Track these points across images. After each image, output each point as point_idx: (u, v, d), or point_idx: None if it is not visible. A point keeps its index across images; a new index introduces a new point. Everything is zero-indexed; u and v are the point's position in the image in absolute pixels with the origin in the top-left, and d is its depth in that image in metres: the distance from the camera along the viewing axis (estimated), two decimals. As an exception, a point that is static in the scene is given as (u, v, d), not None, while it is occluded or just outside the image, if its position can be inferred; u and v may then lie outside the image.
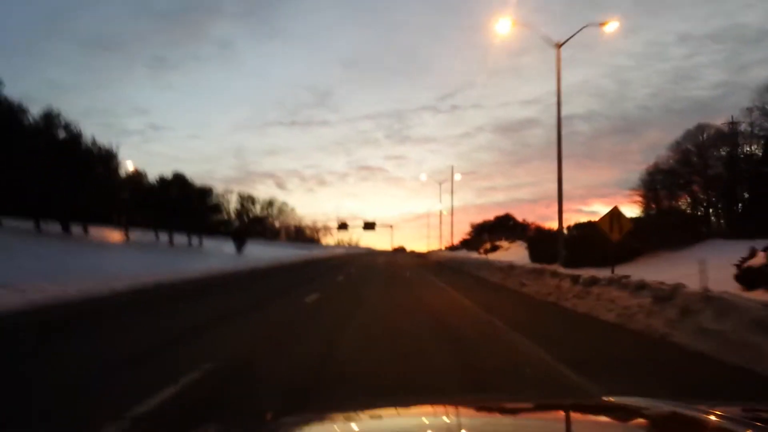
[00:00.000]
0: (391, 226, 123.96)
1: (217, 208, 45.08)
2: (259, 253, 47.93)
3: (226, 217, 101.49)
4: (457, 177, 61.84)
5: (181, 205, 39.52)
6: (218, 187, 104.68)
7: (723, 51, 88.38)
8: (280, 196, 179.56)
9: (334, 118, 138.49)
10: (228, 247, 45.45)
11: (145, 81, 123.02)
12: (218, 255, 41.39)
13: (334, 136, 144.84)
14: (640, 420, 1.66)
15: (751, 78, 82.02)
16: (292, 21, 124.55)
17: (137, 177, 38.21)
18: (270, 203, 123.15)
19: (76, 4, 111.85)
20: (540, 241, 27.86)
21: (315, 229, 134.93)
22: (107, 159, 32.21)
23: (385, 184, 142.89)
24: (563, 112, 77.45)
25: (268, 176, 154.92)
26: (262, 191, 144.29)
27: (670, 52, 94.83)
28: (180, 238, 41.82)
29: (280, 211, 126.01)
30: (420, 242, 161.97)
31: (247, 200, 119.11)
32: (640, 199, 32.72)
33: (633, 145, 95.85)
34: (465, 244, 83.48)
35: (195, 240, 44.32)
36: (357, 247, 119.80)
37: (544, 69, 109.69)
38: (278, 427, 1.77)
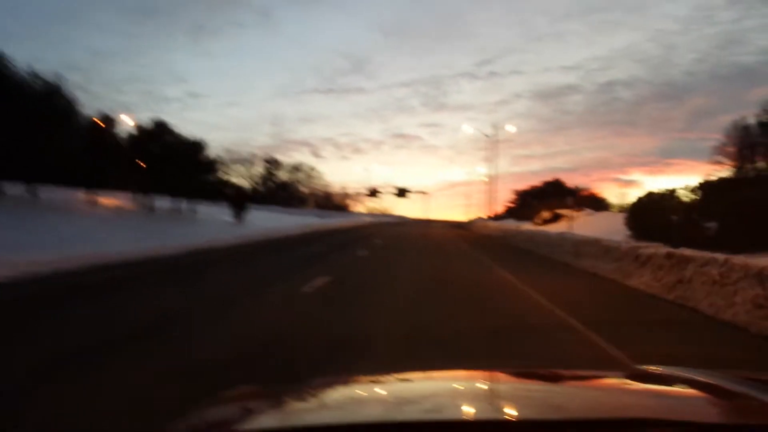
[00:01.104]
0: (425, 193, 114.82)
1: (212, 166, 36.69)
2: (267, 221, 39.82)
3: (232, 178, 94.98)
4: (511, 129, 51.74)
5: (164, 161, 31.41)
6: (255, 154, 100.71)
7: None
8: (315, 164, 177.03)
9: (371, 85, 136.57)
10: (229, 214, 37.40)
11: (184, 48, 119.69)
12: (210, 224, 33.40)
13: (370, 103, 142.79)
14: (677, 389, 1.64)
15: None
16: None
17: (104, 126, 30.02)
18: (296, 167, 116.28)
19: None
20: (647, 209, 18.62)
21: (345, 196, 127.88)
22: (49, 97, 24.04)
23: (420, 153, 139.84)
24: (604, 78, 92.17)
25: (304, 144, 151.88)
26: (297, 159, 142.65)
27: (717, 16, 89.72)
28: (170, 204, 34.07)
29: (308, 176, 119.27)
30: (456, 211, 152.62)
31: (272, 164, 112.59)
32: (725, 161, 23.27)
33: (676, 113, 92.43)
34: (511, 213, 73.96)
35: (185, 205, 36.29)
36: (389, 215, 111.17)
37: (587, 34, 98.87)
38: (309, 388, 1.68)
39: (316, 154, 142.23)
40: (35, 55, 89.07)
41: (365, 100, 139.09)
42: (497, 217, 79.88)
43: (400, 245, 24.79)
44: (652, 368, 1.82)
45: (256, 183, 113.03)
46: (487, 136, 50.04)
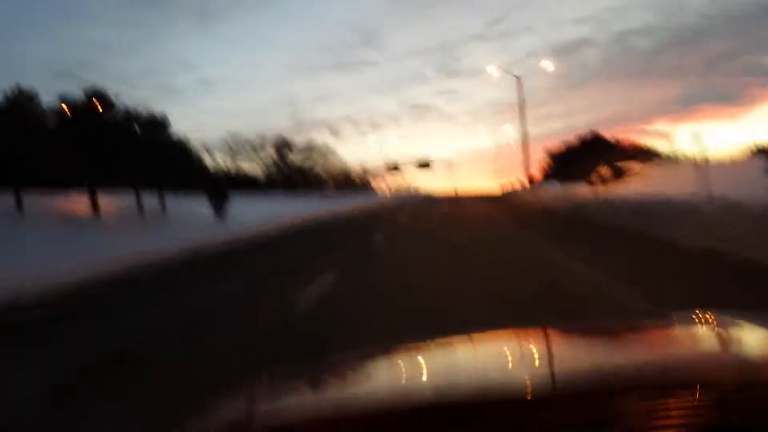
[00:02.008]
0: (449, 164, 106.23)
1: (176, 148, 29.14)
2: (260, 213, 32.26)
3: (211, 162, 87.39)
4: (549, 67, 42.86)
5: (110, 145, 24.01)
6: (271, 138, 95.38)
7: None
8: (334, 143, 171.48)
9: (382, 57, 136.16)
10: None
11: (191, 35, 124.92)
12: (180, 224, 26.14)
13: (384, 76, 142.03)
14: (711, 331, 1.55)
15: None
16: None
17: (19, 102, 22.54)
18: (310, 148, 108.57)
19: None
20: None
21: (365, 175, 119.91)
22: None
23: (438, 122, 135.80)
24: (618, 28, 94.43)
25: (321, 124, 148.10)
26: (316, 140, 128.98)
27: None
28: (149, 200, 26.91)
29: (324, 156, 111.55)
30: (485, 180, 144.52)
31: (283, 147, 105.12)
32: None
33: (695, 58, 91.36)
34: (550, 175, 65.42)
35: (153, 201, 28.85)
36: (412, 192, 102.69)
37: None
38: (343, 359, 1.67)
39: (335, 134, 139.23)
40: (47, 56, 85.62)
41: (378, 74, 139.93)
42: (532, 183, 71.40)
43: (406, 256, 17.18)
44: (702, 312, 1.61)
45: (269, 168, 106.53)
46: (516, 77, 41.38)
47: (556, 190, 38.67)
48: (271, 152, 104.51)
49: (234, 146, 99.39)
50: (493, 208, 31.17)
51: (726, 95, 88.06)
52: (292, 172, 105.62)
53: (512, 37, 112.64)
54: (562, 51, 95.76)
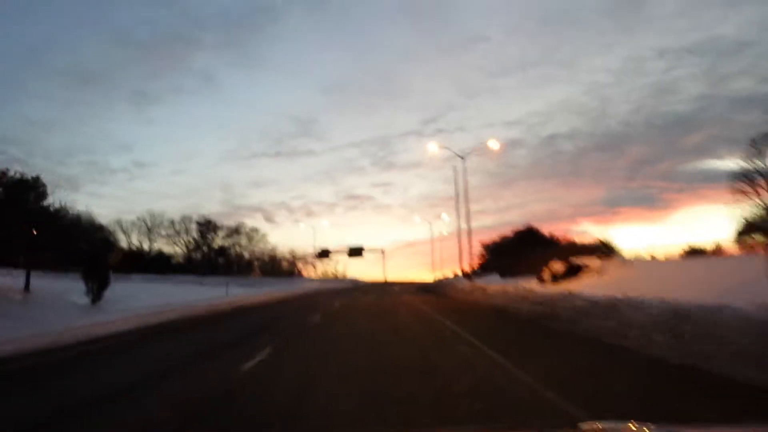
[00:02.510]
0: (382, 251, 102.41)
1: (55, 216, 23.75)
2: (150, 298, 26.73)
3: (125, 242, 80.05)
4: (494, 146, 39.64)
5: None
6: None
7: (701, 64, 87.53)
8: (268, 230, 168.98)
9: (319, 147, 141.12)
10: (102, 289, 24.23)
11: (127, 116, 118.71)
12: (39, 310, 20.54)
13: (320, 165, 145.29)
14: None
15: (730, 89, 79.48)
16: (272, 50, 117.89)
17: None
18: (236, 230, 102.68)
19: (54, 37, 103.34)
20: None
21: (293, 261, 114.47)
22: None
23: (373, 213, 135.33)
24: (546, 132, 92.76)
25: (256, 210, 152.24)
26: (247, 224, 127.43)
27: (648, 66, 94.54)
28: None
29: (249, 239, 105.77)
30: (418, 271, 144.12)
31: (206, 227, 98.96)
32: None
33: (618, 162, 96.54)
34: (487, 267, 62.47)
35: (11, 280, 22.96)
36: (341, 279, 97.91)
37: (524, 89, 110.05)
38: None
39: (269, 220, 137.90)
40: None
41: (315, 162, 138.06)
42: (470, 274, 68.25)
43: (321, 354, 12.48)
44: (598, 424, 1.87)
45: (190, 250, 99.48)
46: (460, 157, 38.38)
47: (496, 283, 35.08)
48: (194, 233, 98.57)
49: (152, 226, 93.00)
50: (427, 300, 26.77)
51: (645, 199, 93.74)
52: (215, 255, 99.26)
53: (446, 135, 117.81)
54: (493, 150, 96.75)
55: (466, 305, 23.35)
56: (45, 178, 24.27)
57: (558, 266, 27.38)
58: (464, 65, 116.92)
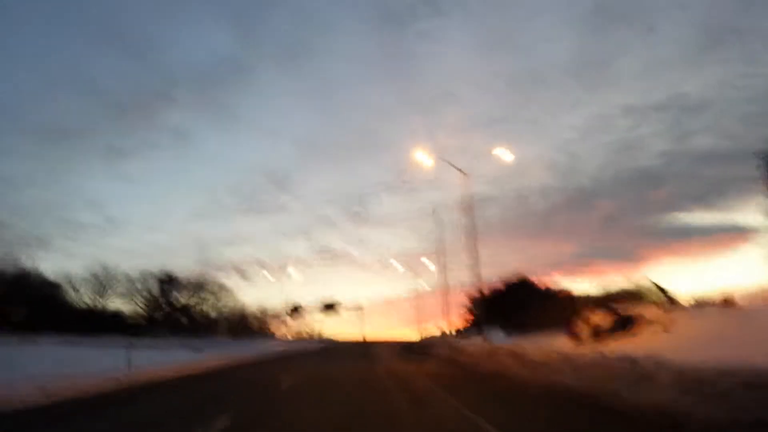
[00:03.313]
0: (360, 307, 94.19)
1: None
2: (46, 368, 18.57)
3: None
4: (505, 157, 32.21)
5: None
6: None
7: (665, 120, 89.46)
8: (243, 288, 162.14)
9: (293, 203, 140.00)
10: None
11: (99, 171, 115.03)
12: None
13: (294, 221, 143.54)
14: None
15: (694, 145, 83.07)
16: (245, 106, 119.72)
17: None
18: (200, 285, 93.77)
19: (26, 93, 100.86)
20: None
21: (263, 318, 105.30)
22: None
23: (348, 268, 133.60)
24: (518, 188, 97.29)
25: (229, 267, 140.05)
26: (222, 282, 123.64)
27: (614, 124, 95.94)
28: None
29: (216, 296, 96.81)
30: (396, 327, 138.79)
31: (168, 283, 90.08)
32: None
33: (588, 217, 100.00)
34: (479, 323, 55.13)
35: None
36: (313, 340, 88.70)
37: (494, 145, 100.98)
38: None
39: (245, 277, 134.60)
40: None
41: (289, 218, 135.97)
42: (463, 331, 60.33)
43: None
44: None
45: (150, 308, 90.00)
46: (463, 173, 30.97)
47: (506, 342, 27.73)
48: (153, 289, 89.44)
49: (105, 281, 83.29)
50: (429, 374, 18.26)
51: (617, 252, 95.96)
52: (178, 314, 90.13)
53: (419, 191, 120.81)
54: (466, 206, 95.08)
55: (508, 385, 14.24)
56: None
57: (599, 318, 20.12)
58: (433, 122, 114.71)
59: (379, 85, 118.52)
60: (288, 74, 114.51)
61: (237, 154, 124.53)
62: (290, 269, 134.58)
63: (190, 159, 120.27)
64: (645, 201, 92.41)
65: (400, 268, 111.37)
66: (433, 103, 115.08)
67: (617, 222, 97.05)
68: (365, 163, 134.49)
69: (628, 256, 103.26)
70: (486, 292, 62.83)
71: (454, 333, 69.54)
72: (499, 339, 31.35)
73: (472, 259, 28.42)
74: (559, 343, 20.53)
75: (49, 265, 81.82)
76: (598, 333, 19.71)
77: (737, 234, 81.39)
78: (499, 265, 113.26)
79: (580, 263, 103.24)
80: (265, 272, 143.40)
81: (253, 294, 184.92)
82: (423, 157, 28.92)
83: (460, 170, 28.94)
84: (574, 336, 20.90)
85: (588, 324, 20.52)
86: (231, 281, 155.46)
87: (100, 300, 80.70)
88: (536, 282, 58.09)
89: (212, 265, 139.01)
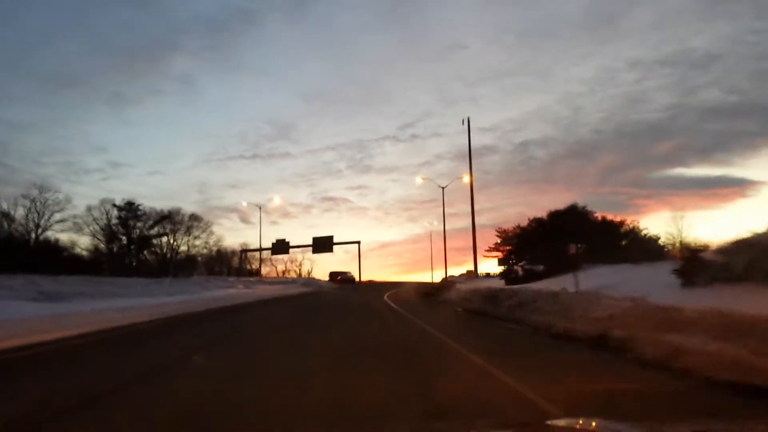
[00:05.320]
0: (357, 242, 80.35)
1: None
2: None
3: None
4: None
5: None
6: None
7: (672, 75, 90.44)
8: (245, 230, 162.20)
9: (296, 150, 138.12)
10: None
11: (104, 118, 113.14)
12: None
13: (297, 168, 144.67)
14: None
15: (700, 100, 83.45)
16: (252, 55, 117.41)
17: None
18: (166, 216, 79.79)
19: (31, 40, 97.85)
20: None
21: (244, 257, 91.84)
22: None
23: (348, 215, 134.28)
24: (519, 138, 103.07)
25: (232, 210, 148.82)
26: (226, 225, 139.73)
27: (621, 77, 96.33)
28: None
29: (188, 228, 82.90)
30: (393, 273, 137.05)
31: (128, 212, 75.92)
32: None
33: (588, 169, 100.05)
34: (508, 261, 41.42)
35: None
36: (294, 281, 74.18)
37: (500, 97, 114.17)
38: None
39: (245, 220, 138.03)
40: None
41: (292, 165, 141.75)
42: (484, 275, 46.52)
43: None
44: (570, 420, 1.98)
45: (106, 240, 76.12)
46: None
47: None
48: (112, 221, 75.21)
49: (42, 206, 67.69)
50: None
51: (615, 204, 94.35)
52: (136, 248, 76.40)
53: (421, 140, 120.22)
54: (467, 156, 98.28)
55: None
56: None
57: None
58: (443, 74, 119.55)
59: (388, 36, 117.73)
60: (296, 24, 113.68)
61: (243, 102, 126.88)
62: (292, 214, 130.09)
63: (195, 106, 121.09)
64: (647, 154, 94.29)
65: (395, 220, 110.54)
66: (442, 54, 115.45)
67: (617, 174, 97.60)
68: (370, 114, 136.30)
69: (624, 208, 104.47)
70: (525, 224, 48.39)
71: (467, 274, 56.17)
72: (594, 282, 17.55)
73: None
74: None
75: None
76: None
77: (736, 188, 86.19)
78: (499, 213, 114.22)
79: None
80: (268, 216, 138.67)
81: (249, 236, 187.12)
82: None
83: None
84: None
85: None
86: (235, 224, 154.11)
87: (36, 229, 66.86)
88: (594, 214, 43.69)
89: (214, 209, 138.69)
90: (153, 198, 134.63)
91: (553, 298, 12.41)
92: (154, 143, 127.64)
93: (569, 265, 29.70)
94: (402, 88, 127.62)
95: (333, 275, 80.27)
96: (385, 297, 30.42)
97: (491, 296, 17.34)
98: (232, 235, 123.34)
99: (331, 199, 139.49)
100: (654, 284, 16.60)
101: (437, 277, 74.38)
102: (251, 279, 64.28)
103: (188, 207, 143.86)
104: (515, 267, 32.56)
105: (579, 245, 24.16)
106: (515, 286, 21.68)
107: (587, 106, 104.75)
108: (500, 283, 32.94)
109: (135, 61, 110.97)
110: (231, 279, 58.26)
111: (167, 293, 25.43)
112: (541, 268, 29.46)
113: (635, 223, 40.99)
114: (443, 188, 44.69)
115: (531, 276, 29.33)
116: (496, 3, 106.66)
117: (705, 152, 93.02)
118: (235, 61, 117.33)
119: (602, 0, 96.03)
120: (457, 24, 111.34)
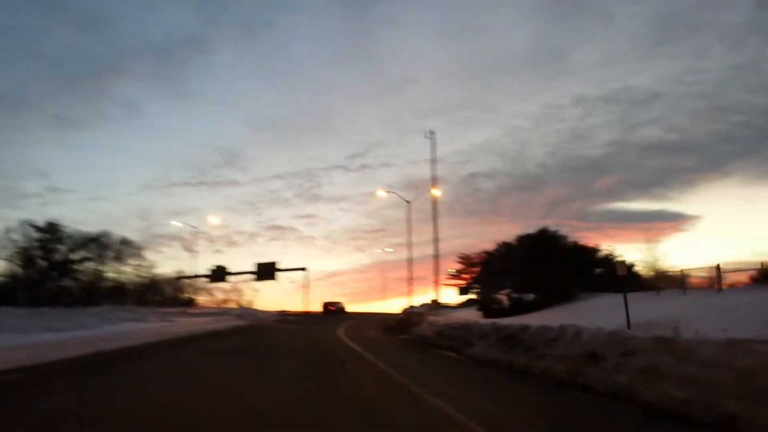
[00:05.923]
0: (303, 269, 74.58)
1: None
2: None
3: None
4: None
5: None
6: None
7: (614, 112, 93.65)
8: (187, 260, 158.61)
9: (244, 178, 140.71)
10: None
11: (46, 141, 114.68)
12: None
13: (243, 196, 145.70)
14: None
15: (640, 137, 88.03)
16: (201, 82, 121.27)
17: None
18: (93, 239, 71.58)
19: None
20: None
21: (179, 286, 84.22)
22: None
23: (296, 243, 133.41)
24: (467, 170, 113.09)
25: (174, 238, 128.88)
26: (168, 254, 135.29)
27: (566, 113, 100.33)
28: None
29: (117, 254, 74.64)
30: (344, 299, 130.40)
31: (49, 234, 67.84)
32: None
33: (534, 201, 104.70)
34: (469, 289, 36.84)
35: None
36: (225, 311, 66.11)
37: (449, 129, 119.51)
38: None
39: (188, 249, 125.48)
40: None
41: (238, 193, 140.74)
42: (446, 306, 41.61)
43: None
44: None
45: (23, 266, 67.45)
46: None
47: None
48: (32, 244, 66.81)
49: None
50: None
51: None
52: (57, 274, 68.10)
53: (371, 170, 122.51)
54: (416, 186, 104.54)
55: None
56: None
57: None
58: (393, 105, 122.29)
59: (339, 65, 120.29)
60: (245, 51, 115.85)
61: (190, 129, 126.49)
62: (237, 242, 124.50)
63: (141, 131, 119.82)
64: (589, 188, 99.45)
65: (342, 250, 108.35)
66: (394, 86, 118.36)
67: (561, 207, 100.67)
68: (320, 143, 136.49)
69: (567, 240, 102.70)
70: (481, 254, 44.36)
71: (433, 303, 51.33)
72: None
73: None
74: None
75: None
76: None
77: (673, 222, 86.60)
78: (448, 243, 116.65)
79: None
80: (212, 245, 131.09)
81: (193, 265, 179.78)
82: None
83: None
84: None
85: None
86: (178, 253, 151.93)
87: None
88: (564, 238, 40.03)
89: (157, 237, 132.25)
90: (92, 224, 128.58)
91: (657, 344, 7.23)
92: (97, 168, 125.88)
93: (563, 295, 25.12)
94: (352, 118, 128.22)
95: (326, 306, 76.57)
96: (339, 333, 24.54)
97: (507, 336, 11.79)
98: (174, 264, 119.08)
99: (278, 227, 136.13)
100: (733, 319, 11.94)
101: (392, 306, 69.90)
102: (173, 310, 57.15)
103: (129, 234, 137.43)
104: (498, 296, 27.48)
105: (625, 268, 19.43)
106: (514, 322, 16.44)
107: (533, 140, 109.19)
108: (476, 315, 27.94)
109: (79, 85, 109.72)
110: (161, 310, 51.29)
111: (45, 328, 19.06)
112: (531, 297, 24.65)
113: (611, 249, 37.42)
114: (409, 202, 40.52)
115: (519, 307, 24.30)
116: (447, 37, 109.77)
117: (644, 187, 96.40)
118: (183, 88, 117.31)
119: (549, 37, 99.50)
120: (409, 56, 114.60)
